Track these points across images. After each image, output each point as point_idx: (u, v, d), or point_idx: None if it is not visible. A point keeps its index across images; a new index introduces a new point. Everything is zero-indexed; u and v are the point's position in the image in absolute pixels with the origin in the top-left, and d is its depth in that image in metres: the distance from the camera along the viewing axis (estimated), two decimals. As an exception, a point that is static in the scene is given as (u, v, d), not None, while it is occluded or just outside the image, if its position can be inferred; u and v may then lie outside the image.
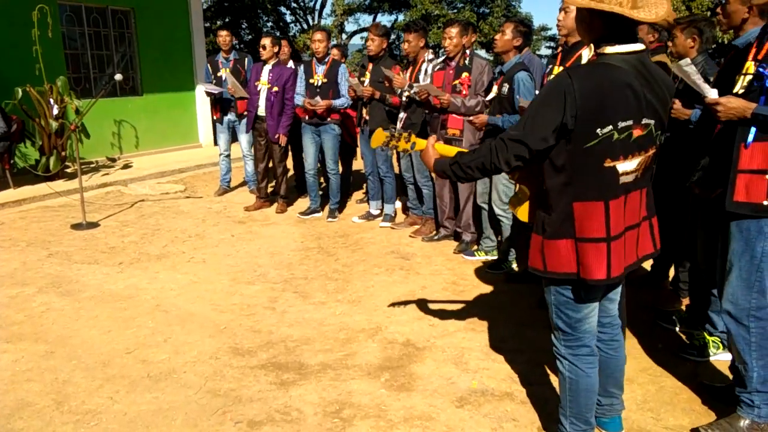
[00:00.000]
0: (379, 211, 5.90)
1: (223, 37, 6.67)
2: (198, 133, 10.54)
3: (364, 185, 6.51)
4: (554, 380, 2.84)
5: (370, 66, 5.44)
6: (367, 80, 5.39)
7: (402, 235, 5.42)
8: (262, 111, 5.92)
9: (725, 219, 2.44)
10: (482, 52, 17.86)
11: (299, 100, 5.70)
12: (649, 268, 4.15)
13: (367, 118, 5.46)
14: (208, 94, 6.82)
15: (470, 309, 3.81)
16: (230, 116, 6.77)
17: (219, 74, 6.71)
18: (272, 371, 3.01)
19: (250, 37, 21.61)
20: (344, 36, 22.98)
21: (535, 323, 3.47)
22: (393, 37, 20.31)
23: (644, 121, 1.91)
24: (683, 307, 3.68)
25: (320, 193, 6.32)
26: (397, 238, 5.34)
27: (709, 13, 14.43)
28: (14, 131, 6.81)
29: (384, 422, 2.59)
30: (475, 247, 4.88)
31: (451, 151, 2.32)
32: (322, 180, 6.77)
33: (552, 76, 3.51)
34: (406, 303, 3.86)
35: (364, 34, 5.63)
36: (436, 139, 2.37)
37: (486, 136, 4.25)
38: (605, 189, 1.92)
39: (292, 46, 6.65)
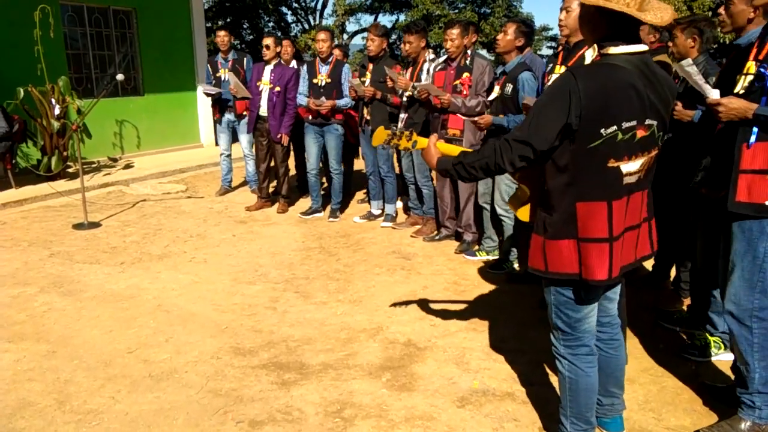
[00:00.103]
0: (380, 211, 5.90)
1: (222, 37, 6.65)
2: (199, 133, 10.56)
3: (366, 185, 6.50)
4: (555, 380, 2.83)
5: (371, 66, 5.44)
6: (367, 80, 5.39)
7: (403, 235, 5.42)
8: (263, 111, 5.92)
9: (727, 219, 2.43)
10: (483, 52, 17.85)
11: (303, 100, 5.71)
12: (650, 269, 4.15)
13: (369, 118, 5.46)
14: (207, 95, 6.82)
15: (471, 309, 3.81)
16: (229, 116, 6.77)
17: (218, 75, 6.71)
18: (273, 371, 3.02)
19: (251, 37, 21.62)
20: (345, 36, 22.98)
21: (536, 323, 3.47)
22: (394, 37, 20.31)
23: (647, 121, 1.91)
24: (684, 308, 3.67)
25: (322, 193, 6.33)
26: (398, 238, 5.34)
27: (710, 13, 14.42)
28: (16, 131, 6.83)
29: (385, 422, 2.59)
30: (477, 247, 4.88)
31: (453, 150, 2.32)
32: (323, 180, 6.78)
33: (555, 76, 3.51)
34: (407, 303, 3.86)
35: (366, 34, 5.65)
36: (438, 139, 2.37)
37: (489, 136, 4.25)
38: (609, 189, 1.92)
39: (295, 47, 6.63)
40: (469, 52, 4.77)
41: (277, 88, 5.78)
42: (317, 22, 23.23)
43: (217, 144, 7.08)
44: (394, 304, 3.84)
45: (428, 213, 5.40)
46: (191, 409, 2.68)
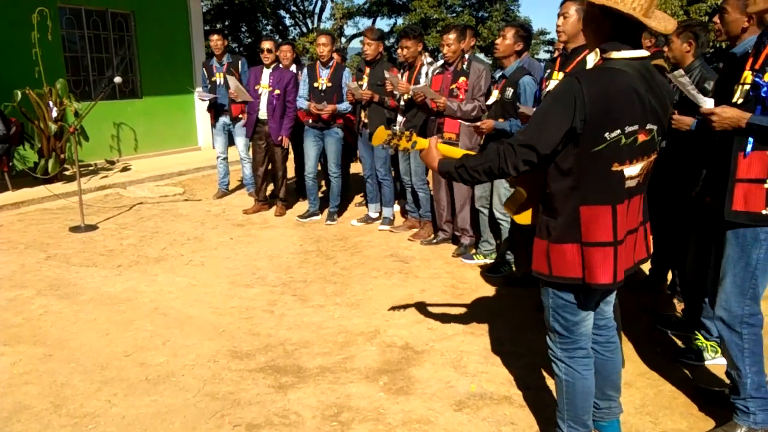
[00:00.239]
0: (377, 214, 5.90)
1: (215, 41, 6.61)
2: (197, 135, 10.56)
3: (364, 189, 6.51)
4: (552, 384, 2.83)
5: (367, 70, 5.46)
6: (365, 84, 5.41)
7: (401, 238, 5.42)
8: (262, 114, 5.93)
9: (722, 227, 2.44)
10: (481, 56, 17.88)
11: (303, 103, 5.73)
12: (647, 272, 4.16)
13: (366, 121, 5.47)
14: (202, 99, 6.80)
15: (469, 312, 3.82)
16: (225, 119, 6.76)
17: (213, 79, 6.68)
18: (271, 374, 3.01)
19: (249, 40, 21.65)
20: (343, 39, 23.02)
21: (534, 327, 3.47)
22: (392, 40, 20.34)
23: (648, 126, 1.93)
24: (680, 312, 3.68)
25: (320, 196, 6.33)
26: (395, 241, 5.35)
27: (707, 18, 14.50)
28: (13, 134, 6.82)
29: (382, 426, 2.59)
30: (474, 250, 4.89)
31: (454, 152, 2.32)
32: (321, 183, 6.78)
33: (553, 82, 3.52)
34: (404, 306, 3.86)
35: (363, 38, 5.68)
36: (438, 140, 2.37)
37: (488, 139, 4.25)
38: (612, 193, 1.93)
39: (294, 50, 6.62)
40: (466, 56, 4.79)
41: (277, 91, 5.79)
42: (315, 25, 23.26)
43: (214, 147, 7.08)
44: (392, 308, 3.84)
45: (425, 216, 5.41)
46: (188, 413, 2.67)
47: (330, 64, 5.65)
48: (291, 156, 6.50)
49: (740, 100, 2.37)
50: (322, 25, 23.18)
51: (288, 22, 23.94)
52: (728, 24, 2.70)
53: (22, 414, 2.66)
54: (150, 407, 2.72)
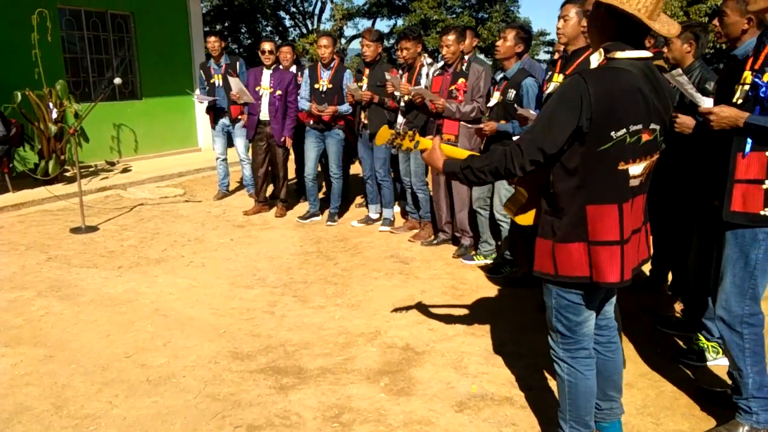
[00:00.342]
0: (378, 215, 5.91)
1: (212, 42, 6.59)
2: (197, 137, 10.56)
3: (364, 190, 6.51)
4: (554, 385, 2.83)
5: (367, 71, 5.46)
6: (364, 85, 5.41)
7: (401, 239, 5.42)
8: (263, 115, 5.93)
9: (721, 227, 2.44)
10: (482, 57, 17.89)
11: (305, 104, 5.73)
12: (647, 273, 4.16)
13: (366, 122, 5.47)
14: (200, 102, 6.77)
15: (469, 313, 3.82)
16: (224, 120, 6.75)
17: (212, 81, 6.66)
18: (271, 375, 3.01)
19: (249, 41, 21.67)
20: (343, 41, 23.03)
21: (534, 327, 3.47)
22: (392, 41, 20.35)
23: (652, 126, 1.94)
24: (680, 312, 3.68)
25: (321, 197, 6.33)
26: (396, 242, 5.35)
27: (707, 19, 14.51)
28: (13, 135, 6.82)
29: (383, 427, 2.59)
30: (474, 251, 4.89)
31: (457, 152, 2.32)
32: (322, 184, 6.78)
33: (553, 84, 3.53)
34: (405, 308, 3.85)
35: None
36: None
37: (489, 141, 4.25)
38: (618, 192, 1.94)
39: (294, 52, 6.61)
40: (466, 57, 4.79)
41: (279, 92, 5.80)
42: (315, 26, 23.27)
43: (214, 149, 7.08)
44: (393, 309, 3.84)
45: (425, 217, 5.41)
46: (189, 414, 2.67)
47: (331, 65, 5.65)
48: (291, 157, 6.50)
49: (740, 101, 2.37)
50: (321, 26, 23.19)
51: (288, 23, 23.97)
52: (728, 26, 2.70)
53: (23, 415, 2.66)
54: (151, 408, 2.72)
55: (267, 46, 5.87)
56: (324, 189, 6.90)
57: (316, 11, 23.64)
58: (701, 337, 3.13)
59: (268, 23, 22.84)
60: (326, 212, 6.07)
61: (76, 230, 5.58)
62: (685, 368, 3.08)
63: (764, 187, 2.28)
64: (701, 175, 2.79)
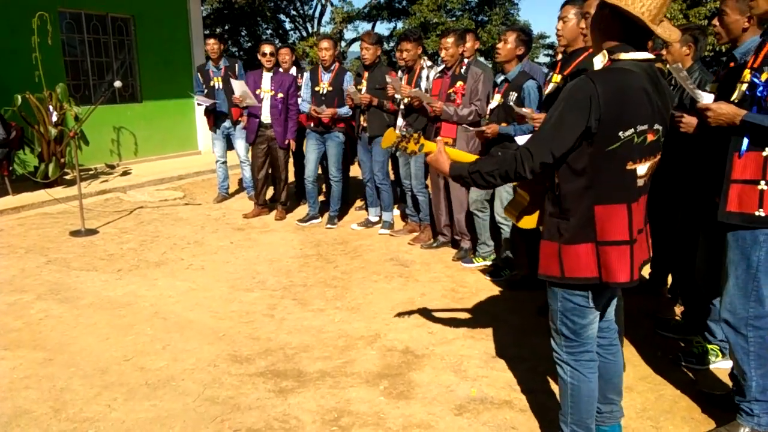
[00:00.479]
0: (377, 218, 5.90)
1: (211, 45, 6.59)
2: (197, 140, 10.56)
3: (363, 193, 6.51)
4: (554, 388, 2.83)
5: (366, 74, 5.47)
6: (363, 88, 5.41)
7: (401, 242, 5.42)
8: (265, 118, 5.93)
9: (723, 228, 2.44)
10: (481, 59, 17.89)
11: (305, 107, 5.74)
12: (647, 276, 4.15)
13: (365, 125, 5.48)
14: (199, 104, 6.75)
15: (469, 316, 3.81)
16: (225, 123, 6.76)
17: (211, 83, 6.65)
18: (271, 379, 3.01)
19: (249, 44, 21.69)
20: (343, 43, 23.05)
21: (534, 330, 3.47)
22: (392, 44, 20.37)
23: (656, 126, 1.95)
24: (679, 314, 3.68)
25: (321, 199, 6.33)
26: (395, 245, 5.35)
27: (706, 22, 14.53)
28: (13, 138, 6.82)
29: (383, 430, 2.58)
30: (473, 254, 4.88)
31: (461, 156, 2.31)
32: (322, 187, 6.78)
33: (552, 85, 3.53)
34: (406, 312, 3.85)
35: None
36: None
37: (490, 144, 4.24)
38: (626, 191, 1.95)
39: (293, 54, 6.61)
40: (466, 60, 4.79)
41: (280, 95, 5.81)
42: (315, 29, 23.30)
43: (214, 152, 7.08)
44: (392, 312, 3.83)
45: (425, 220, 5.41)
46: (188, 417, 2.67)
47: (332, 68, 5.65)
48: (291, 160, 6.50)
49: (737, 99, 2.37)
50: (321, 29, 23.22)
51: (288, 26, 24.00)
52: (728, 25, 2.71)
53: (22, 418, 2.65)
54: (150, 412, 2.71)
55: (267, 48, 5.87)
56: (324, 192, 6.90)
57: (316, 14, 23.68)
58: (701, 340, 3.13)
59: (268, 26, 22.86)
60: (326, 215, 6.07)
61: (75, 233, 5.58)
62: (685, 371, 3.07)
63: (759, 187, 2.28)
64: (703, 174, 2.79)
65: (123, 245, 5.30)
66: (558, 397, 2.29)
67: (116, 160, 9.10)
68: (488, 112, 4.38)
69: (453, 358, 3.23)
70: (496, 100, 4.27)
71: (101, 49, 9.08)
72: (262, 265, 4.79)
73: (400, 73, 5.44)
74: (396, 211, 6.06)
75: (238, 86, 5.87)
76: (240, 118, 6.44)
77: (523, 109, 3.74)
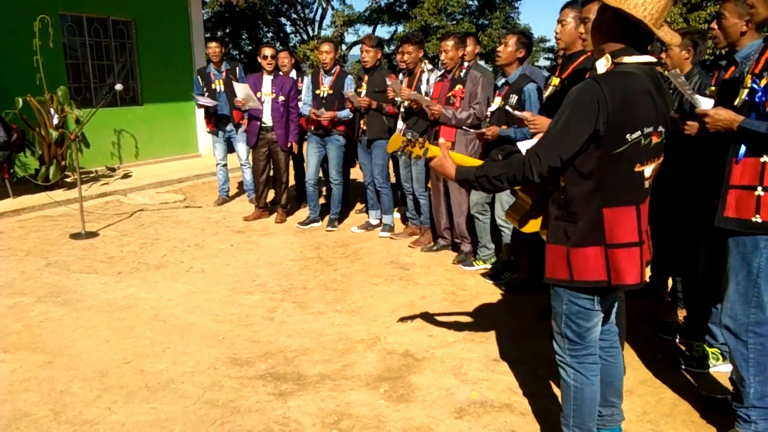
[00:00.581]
0: (378, 221, 5.90)
1: (213, 48, 6.60)
2: (197, 142, 10.58)
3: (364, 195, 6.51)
4: (555, 391, 2.83)
5: (366, 77, 5.47)
6: (363, 91, 5.42)
7: (401, 245, 5.42)
8: (266, 121, 5.93)
9: (723, 234, 2.44)
10: (482, 63, 17.91)
11: (306, 110, 5.75)
12: (647, 279, 4.14)
13: (365, 128, 5.48)
14: (200, 106, 6.76)
15: (469, 319, 3.81)
16: (228, 126, 6.76)
17: (213, 86, 6.66)
18: (271, 382, 3.00)
19: (250, 47, 21.72)
20: (344, 47, 23.09)
21: (535, 334, 3.47)
22: (392, 47, 20.40)
23: (660, 128, 1.97)
24: (681, 318, 3.67)
25: (321, 202, 6.33)
26: (396, 248, 5.35)
27: (706, 26, 14.55)
28: (14, 141, 6.83)
29: (383, 433, 2.58)
30: (473, 257, 4.88)
31: (466, 160, 2.31)
32: (323, 190, 6.78)
33: (554, 86, 3.53)
34: (406, 315, 3.84)
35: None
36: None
37: (490, 146, 4.25)
38: (634, 193, 1.96)
39: (294, 57, 6.62)
40: (466, 64, 4.80)
41: (282, 98, 5.82)
42: (316, 33, 23.34)
43: (214, 155, 7.08)
44: (393, 315, 3.83)
45: (425, 223, 5.41)
46: (188, 420, 2.66)
47: (332, 71, 5.66)
48: (291, 162, 6.50)
49: (740, 104, 2.38)
50: (322, 33, 23.26)
51: (289, 29, 24.04)
52: (726, 29, 2.71)
53: (22, 421, 2.65)
54: (149, 415, 2.71)
55: (268, 51, 5.88)
56: (324, 195, 6.91)
57: (317, 18, 23.73)
58: (702, 344, 3.12)
59: (269, 29, 22.89)
60: (326, 218, 6.07)
61: (76, 236, 5.58)
62: (685, 375, 3.07)
63: (756, 193, 2.28)
64: (705, 178, 2.79)
65: (123, 248, 5.30)
66: (559, 400, 2.29)
67: (117, 162, 9.11)
68: (489, 114, 4.38)
69: (453, 361, 3.22)
70: (497, 102, 4.27)
71: (102, 52, 9.10)
72: (263, 268, 4.79)
73: (400, 75, 5.46)
74: (396, 214, 6.06)
75: (242, 89, 5.84)
76: (241, 121, 6.45)
77: (520, 113, 3.74)
